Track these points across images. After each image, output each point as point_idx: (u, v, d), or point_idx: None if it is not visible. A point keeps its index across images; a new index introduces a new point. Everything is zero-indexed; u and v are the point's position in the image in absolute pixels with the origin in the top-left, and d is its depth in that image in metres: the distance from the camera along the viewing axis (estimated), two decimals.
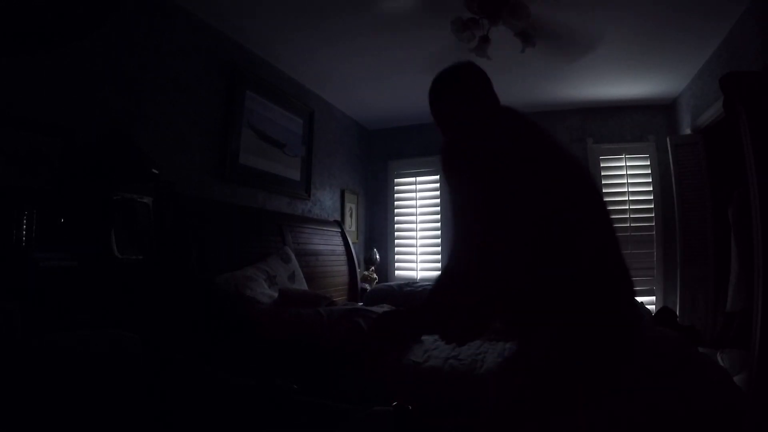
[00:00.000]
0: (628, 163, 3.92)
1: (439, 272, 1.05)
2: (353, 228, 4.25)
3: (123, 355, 1.09)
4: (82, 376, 1.03)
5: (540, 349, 0.82)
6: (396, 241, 4.57)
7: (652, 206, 3.79)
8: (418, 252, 4.43)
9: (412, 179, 4.60)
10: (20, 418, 0.91)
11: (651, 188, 3.82)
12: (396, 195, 4.64)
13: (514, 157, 0.86)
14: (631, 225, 3.85)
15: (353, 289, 3.65)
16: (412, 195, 4.57)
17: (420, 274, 4.37)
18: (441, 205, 4.42)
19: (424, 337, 2.01)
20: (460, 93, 1.05)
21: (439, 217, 4.40)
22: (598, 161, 3.97)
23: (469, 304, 0.89)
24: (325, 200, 3.81)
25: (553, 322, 0.79)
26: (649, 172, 3.84)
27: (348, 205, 4.18)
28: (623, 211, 3.87)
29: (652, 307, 3.32)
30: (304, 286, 2.67)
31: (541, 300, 0.81)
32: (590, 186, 0.95)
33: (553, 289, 0.80)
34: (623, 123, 3.97)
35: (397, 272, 4.52)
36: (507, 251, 0.81)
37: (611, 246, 0.88)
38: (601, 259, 0.83)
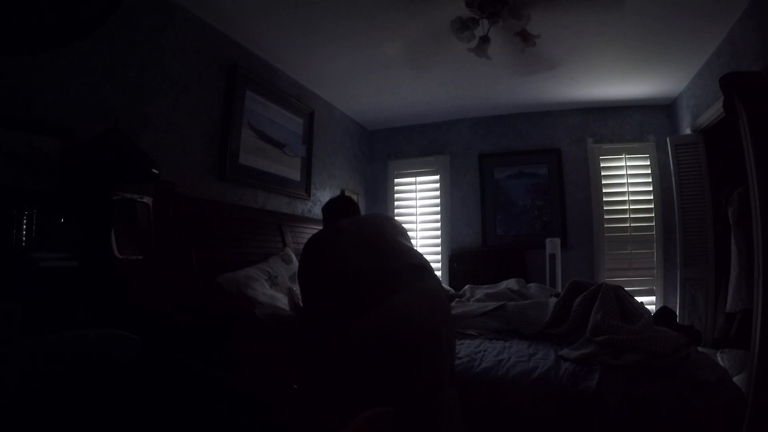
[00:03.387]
0: (628, 163, 3.92)
1: None
2: None
3: (123, 356, 1.09)
4: (81, 377, 1.03)
5: None
6: None
7: (652, 206, 3.79)
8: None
9: (412, 179, 4.60)
10: (20, 419, 0.91)
11: (651, 188, 3.81)
12: (396, 195, 4.64)
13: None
14: (631, 225, 3.85)
15: None
16: (412, 195, 4.57)
17: None
18: (441, 205, 4.43)
19: None
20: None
21: (439, 217, 4.41)
22: (598, 161, 3.98)
23: None
24: (325, 200, 3.79)
25: None
26: (649, 172, 3.84)
27: None
28: (623, 211, 3.87)
29: (652, 308, 3.32)
30: None
31: None
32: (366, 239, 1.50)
33: None
34: (623, 123, 3.97)
35: None
36: None
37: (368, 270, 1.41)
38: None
